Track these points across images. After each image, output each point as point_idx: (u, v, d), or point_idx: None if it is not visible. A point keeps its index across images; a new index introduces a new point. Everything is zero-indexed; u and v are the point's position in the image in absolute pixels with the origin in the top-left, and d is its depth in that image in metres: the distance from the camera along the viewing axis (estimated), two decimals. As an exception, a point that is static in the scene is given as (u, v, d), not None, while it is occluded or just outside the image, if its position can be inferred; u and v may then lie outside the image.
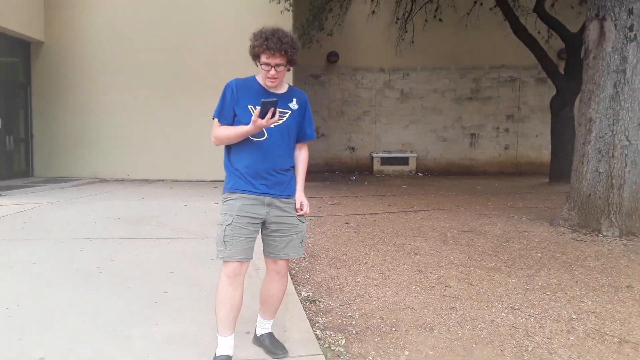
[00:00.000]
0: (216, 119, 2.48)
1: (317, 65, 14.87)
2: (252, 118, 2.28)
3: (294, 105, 2.50)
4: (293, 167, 2.58)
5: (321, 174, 14.08)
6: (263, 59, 2.34)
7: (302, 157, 2.63)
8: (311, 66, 14.60)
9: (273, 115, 2.27)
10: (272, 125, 2.39)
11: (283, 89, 2.50)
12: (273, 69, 2.34)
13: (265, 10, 10.64)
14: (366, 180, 12.67)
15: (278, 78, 2.39)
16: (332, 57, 14.84)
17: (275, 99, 2.28)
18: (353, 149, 15.18)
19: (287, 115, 2.46)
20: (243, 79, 2.51)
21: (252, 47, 2.37)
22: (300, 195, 2.55)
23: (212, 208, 7.29)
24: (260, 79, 2.48)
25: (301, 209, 2.52)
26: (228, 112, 2.44)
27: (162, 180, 11.50)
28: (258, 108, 2.25)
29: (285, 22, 10.22)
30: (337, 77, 15.24)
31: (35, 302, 3.30)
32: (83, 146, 11.77)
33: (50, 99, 11.76)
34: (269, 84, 2.41)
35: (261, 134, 2.40)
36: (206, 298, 3.41)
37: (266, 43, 2.30)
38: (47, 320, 2.99)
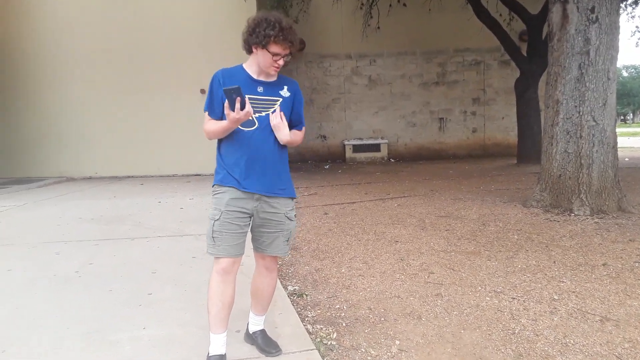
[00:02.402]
0: (206, 112, 2.41)
1: (283, 54, 14.75)
2: (225, 111, 2.23)
3: (285, 92, 2.44)
4: (284, 160, 2.51)
5: (293, 163, 14.00)
6: (275, 49, 2.29)
7: (297, 135, 2.54)
8: (278, 55, 14.48)
9: (243, 106, 2.20)
10: (263, 114, 2.34)
11: (273, 77, 2.44)
12: (282, 59, 2.32)
13: (228, -1, 10.47)
14: (340, 169, 12.71)
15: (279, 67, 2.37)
16: (299, 45, 14.75)
17: (237, 85, 2.19)
18: (324, 137, 15.19)
19: (278, 103, 2.42)
20: (230, 69, 2.43)
21: (264, 36, 2.27)
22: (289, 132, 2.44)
23: (188, 204, 7.18)
24: (248, 67, 2.41)
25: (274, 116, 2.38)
26: (218, 105, 2.37)
27: (132, 177, 11.25)
28: (226, 101, 2.20)
29: (249, 9, 10.07)
30: (304, 65, 15.17)
31: (15, 311, 3.20)
32: (47, 144, 11.39)
33: (7, 96, 11.31)
34: (272, 72, 2.37)
35: (251, 124, 2.35)
36: (191, 297, 3.37)
37: (282, 34, 2.26)
38: (28, 329, 2.90)
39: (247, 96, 2.26)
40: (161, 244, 4.92)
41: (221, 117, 2.35)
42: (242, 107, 2.21)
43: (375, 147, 15.00)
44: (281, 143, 2.43)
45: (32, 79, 11.30)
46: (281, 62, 2.33)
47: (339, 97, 15.38)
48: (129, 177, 11.29)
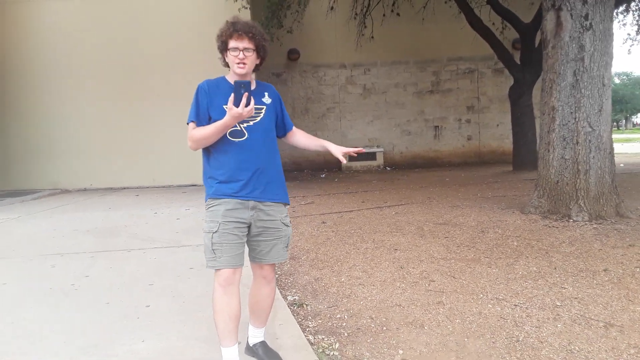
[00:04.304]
0: (191, 123, 2.38)
1: (278, 63, 14.79)
2: (228, 106, 2.22)
3: (267, 99, 2.46)
4: (278, 167, 2.53)
5: (289, 172, 14.00)
6: (231, 43, 2.32)
7: (301, 132, 2.70)
8: (272, 64, 14.50)
9: (248, 103, 2.22)
10: (251, 123, 2.36)
11: (253, 86, 2.44)
12: (242, 52, 2.31)
13: (222, 9, 10.47)
14: (336, 178, 12.69)
15: (247, 64, 2.34)
16: (293, 55, 14.79)
17: (248, 80, 2.26)
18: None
19: (263, 110, 2.42)
20: (213, 80, 2.44)
21: (220, 37, 2.36)
22: (326, 143, 2.66)
23: (184, 214, 7.13)
24: (230, 77, 2.42)
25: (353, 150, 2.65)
26: (204, 115, 2.36)
27: (128, 188, 11.18)
28: (232, 95, 2.21)
29: (243, 17, 10.08)
30: (299, 75, 15.20)
31: (11, 325, 3.13)
32: (40, 156, 11.31)
33: (1, 106, 11.23)
34: (238, 70, 2.34)
35: (241, 134, 2.35)
36: (190, 309, 3.32)
37: (233, 26, 2.31)
38: (26, 343, 2.84)
39: None
40: (158, 255, 4.87)
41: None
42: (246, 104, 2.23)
43: (371, 156, 15.00)
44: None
45: (24, 90, 11.25)
46: (241, 55, 2.31)
47: (333, 106, 15.40)
48: (124, 188, 11.23)
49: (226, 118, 2.24)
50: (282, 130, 2.60)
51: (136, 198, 9.48)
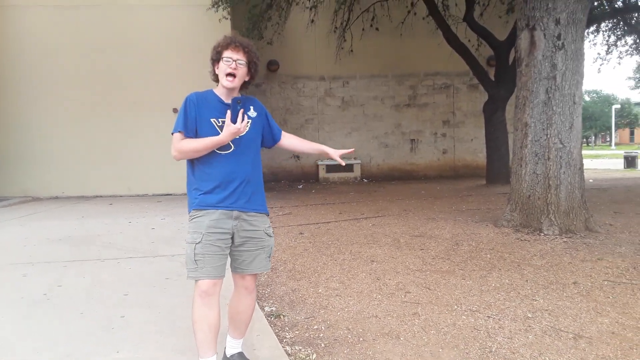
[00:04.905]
0: (177, 133, 2.39)
1: (258, 74, 14.77)
2: (226, 122, 2.28)
3: (252, 113, 2.51)
4: (260, 178, 2.57)
5: (267, 182, 13.91)
6: (226, 54, 2.38)
7: (294, 137, 2.78)
8: (252, 75, 14.49)
9: (243, 119, 2.30)
10: (238, 137, 2.38)
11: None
12: (234, 62, 2.37)
13: (202, 19, 10.50)
14: (313, 189, 12.73)
15: (237, 77, 2.39)
16: (273, 66, 14.85)
17: (243, 96, 2.37)
18: (298, 157, 15.21)
19: (249, 124, 2.45)
20: (201, 93, 2.48)
21: (216, 47, 2.43)
22: (330, 149, 2.74)
23: (159, 224, 7.06)
24: (217, 91, 2.45)
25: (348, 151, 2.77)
26: (192, 126, 2.39)
27: (100, 197, 11.01)
28: (228, 112, 2.29)
29: (223, 30, 10.09)
30: (278, 86, 15.26)
31: (-21, 337, 3.06)
32: (10, 162, 11.04)
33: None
34: (226, 83, 2.39)
35: (227, 147, 2.38)
36: (166, 319, 3.29)
37: (230, 39, 2.41)
38: (-5, 355, 2.78)
39: (220, 120, 2.37)
40: (133, 265, 4.81)
41: (193, 137, 2.39)
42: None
43: (349, 168, 15.10)
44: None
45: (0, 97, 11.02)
46: (234, 65, 2.37)
47: (312, 117, 15.49)
48: (97, 196, 11.05)
49: (223, 135, 2.30)
50: (270, 141, 2.65)
51: (110, 207, 9.35)
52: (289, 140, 2.73)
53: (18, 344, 2.93)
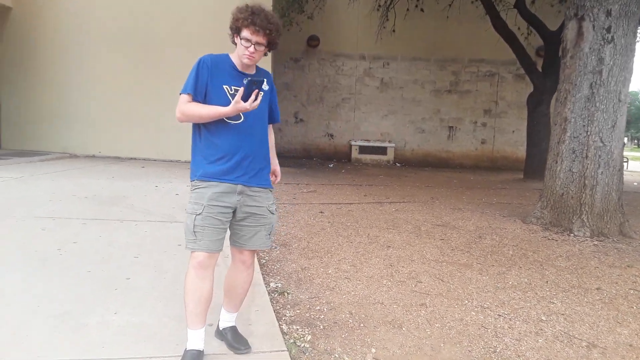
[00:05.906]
0: (185, 95, 2.30)
1: (297, 49, 14.64)
2: (235, 99, 2.17)
3: (265, 86, 2.38)
4: (267, 153, 2.48)
5: (298, 159, 13.95)
6: (245, 33, 2.23)
7: (271, 137, 2.60)
8: (291, 49, 14.37)
9: (256, 98, 2.18)
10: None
11: (252, 70, 2.39)
12: (253, 46, 2.23)
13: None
14: (344, 169, 12.60)
15: (255, 58, 2.28)
16: (313, 41, 14.65)
17: (263, 79, 2.22)
18: (332, 135, 15.08)
19: (260, 96, 2.35)
20: (216, 56, 2.37)
21: (235, 20, 2.26)
22: (275, 163, 2.58)
23: (184, 190, 7.09)
24: (234, 57, 2.35)
25: (274, 176, 2.57)
26: (201, 89, 2.29)
27: (135, 159, 11.19)
28: (241, 89, 2.16)
29: (264, 0, 9.99)
30: (317, 62, 15.06)
31: (-13, 285, 3.13)
32: (54, 119, 11.32)
33: (20, 69, 11.25)
34: (245, 61, 2.28)
35: (237, 117, 2.29)
36: (170, 287, 3.28)
37: (252, 17, 2.21)
38: (-3, 305, 2.83)
39: (233, 87, 2.27)
40: (149, 228, 4.84)
41: (201, 101, 2.29)
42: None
43: (382, 150, 14.87)
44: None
45: (46, 56, 11.25)
46: (252, 49, 2.24)
47: (349, 97, 15.26)
48: (131, 158, 11.24)
49: (229, 108, 2.20)
50: (269, 119, 2.54)
51: (141, 170, 9.48)
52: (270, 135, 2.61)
53: (20, 297, 2.96)
